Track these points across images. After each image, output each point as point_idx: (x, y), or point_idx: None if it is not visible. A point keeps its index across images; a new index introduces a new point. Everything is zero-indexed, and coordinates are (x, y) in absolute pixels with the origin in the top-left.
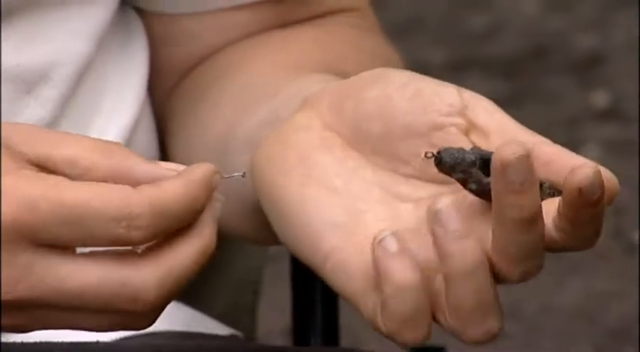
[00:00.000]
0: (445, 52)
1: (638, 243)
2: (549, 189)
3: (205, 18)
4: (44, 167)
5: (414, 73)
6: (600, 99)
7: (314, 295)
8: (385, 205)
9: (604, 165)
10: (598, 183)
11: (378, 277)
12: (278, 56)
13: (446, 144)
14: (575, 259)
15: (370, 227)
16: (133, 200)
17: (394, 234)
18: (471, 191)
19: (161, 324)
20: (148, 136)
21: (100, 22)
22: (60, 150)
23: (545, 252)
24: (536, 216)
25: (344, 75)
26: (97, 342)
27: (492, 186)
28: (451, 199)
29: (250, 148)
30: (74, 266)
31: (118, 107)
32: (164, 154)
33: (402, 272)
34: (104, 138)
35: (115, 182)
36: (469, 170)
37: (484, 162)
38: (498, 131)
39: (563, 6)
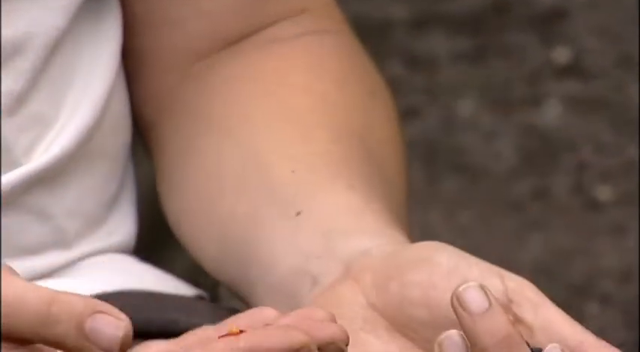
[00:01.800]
0: (407, 8)
1: (599, 198)
2: None
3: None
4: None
5: (459, 251)
6: (562, 55)
7: None
8: None
9: (566, 121)
10: None
11: None
12: (279, 116)
13: None
14: (536, 215)
15: None
16: None
17: None
18: None
19: (131, 283)
20: (120, 108)
21: None
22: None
23: None
24: (512, 339)
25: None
26: None
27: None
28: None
29: (277, 295)
30: None
31: (92, 79)
32: (135, 128)
33: None
34: (78, 109)
35: None
36: None
37: None
38: (543, 327)
39: None
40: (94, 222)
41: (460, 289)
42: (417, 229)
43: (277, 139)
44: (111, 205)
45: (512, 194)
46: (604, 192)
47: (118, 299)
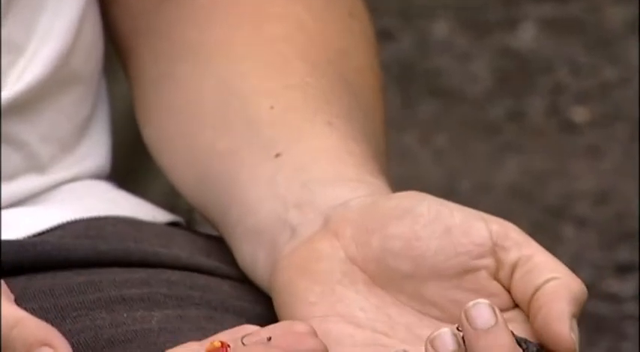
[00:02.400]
0: None
1: (575, 120)
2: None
3: None
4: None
5: (439, 199)
6: None
7: None
8: (409, 346)
9: (541, 43)
10: None
11: None
12: (255, 47)
13: (474, 289)
14: (512, 137)
15: None
16: None
17: None
18: None
19: (107, 210)
20: (93, 32)
21: None
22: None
23: None
24: None
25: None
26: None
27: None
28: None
29: (256, 240)
30: None
31: (63, 3)
32: (110, 51)
33: None
34: (51, 33)
35: None
36: None
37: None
38: (523, 264)
39: None
40: (68, 146)
41: (470, 304)
42: (394, 153)
43: (254, 73)
44: (84, 129)
45: (488, 116)
46: (579, 114)
47: (93, 225)
